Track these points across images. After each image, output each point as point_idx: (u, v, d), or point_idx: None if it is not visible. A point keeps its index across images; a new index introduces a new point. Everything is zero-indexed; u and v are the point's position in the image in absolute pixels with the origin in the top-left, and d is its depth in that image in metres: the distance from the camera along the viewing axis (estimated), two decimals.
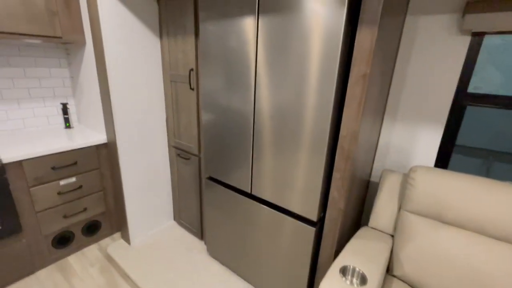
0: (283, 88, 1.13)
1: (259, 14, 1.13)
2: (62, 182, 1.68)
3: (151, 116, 1.87)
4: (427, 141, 1.42)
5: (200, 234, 2.03)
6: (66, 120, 2.03)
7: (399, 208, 1.31)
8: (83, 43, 1.73)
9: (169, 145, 2.03)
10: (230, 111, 1.37)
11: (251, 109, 1.27)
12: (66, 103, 2.01)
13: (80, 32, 1.69)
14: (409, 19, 1.34)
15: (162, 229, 2.17)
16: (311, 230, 1.22)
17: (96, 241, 2.00)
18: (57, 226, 1.72)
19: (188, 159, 1.87)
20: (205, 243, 1.97)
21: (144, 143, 1.88)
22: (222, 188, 1.59)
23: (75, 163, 1.71)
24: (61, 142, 1.70)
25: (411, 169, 1.23)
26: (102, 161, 1.86)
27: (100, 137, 1.82)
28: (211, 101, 1.45)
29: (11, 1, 1.41)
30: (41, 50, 1.88)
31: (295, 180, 1.21)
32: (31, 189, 1.55)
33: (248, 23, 1.17)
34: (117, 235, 2.10)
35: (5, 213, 1.46)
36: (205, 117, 1.52)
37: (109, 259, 1.85)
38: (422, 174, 1.18)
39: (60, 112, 2.07)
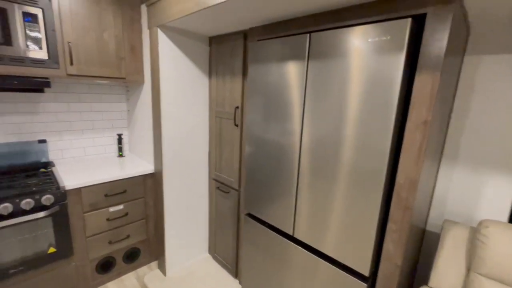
0: (334, 131, 1.11)
1: (309, 58, 1.15)
2: (111, 209, 1.78)
3: (195, 149, 1.96)
4: (497, 190, 1.25)
5: (235, 272, 1.96)
6: (120, 150, 2.21)
7: (468, 269, 1.13)
8: (142, 82, 1.93)
9: (210, 177, 2.07)
10: (274, 149, 1.38)
11: (297, 149, 1.26)
12: (121, 134, 2.21)
13: (140, 73, 1.90)
14: (467, 59, 1.27)
15: (196, 261, 2.15)
16: (362, 286, 1.10)
17: (134, 268, 2.04)
18: (103, 251, 1.79)
19: (228, 192, 1.88)
20: (240, 283, 1.89)
21: (186, 174, 1.95)
22: (262, 227, 1.54)
23: (125, 191, 1.82)
24: (115, 170, 1.84)
25: (481, 224, 1.08)
26: (147, 190, 1.96)
27: (147, 167, 1.93)
28: (255, 138, 1.47)
29: (90, 50, 1.64)
30: (106, 88, 2.14)
31: (345, 227, 1.13)
32: (85, 214, 1.67)
33: (297, 66, 1.21)
34: (154, 264, 2.12)
35: (61, 237, 1.58)
36: (248, 153, 1.54)
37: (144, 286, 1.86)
38: (497, 232, 1.02)
39: (116, 142, 2.27)
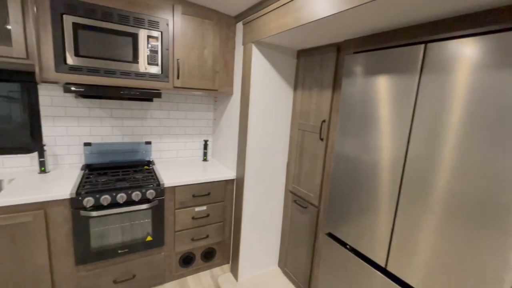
0: (453, 154, 0.95)
1: (423, 71, 1.03)
2: (196, 209, 1.94)
3: (274, 159, 1.98)
4: None
5: None
6: (205, 154, 2.42)
7: None
8: (230, 93, 2.07)
9: (286, 189, 2.06)
10: (368, 168, 1.26)
11: (399, 172, 1.12)
12: (207, 140, 2.42)
13: (230, 86, 2.04)
14: None
15: (266, 272, 2.14)
16: None
17: (210, 268, 2.16)
18: (186, 246, 1.96)
19: (305, 207, 1.83)
20: None
21: (265, 183, 1.98)
22: (345, 250, 1.42)
23: (208, 193, 1.96)
24: (202, 173, 2.01)
25: None
26: (227, 195, 2.07)
27: (229, 173, 2.05)
28: (345, 154, 1.39)
29: (193, 66, 1.86)
30: (198, 98, 2.38)
31: (466, 269, 0.93)
32: (176, 211, 1.86)
33: (405, 80, 1.09)
34: (226, 266, 2.21)
35: (157, 228, 1.79)
36: (335, 169, 1.46)
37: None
38: None
39: (201, 147, 2.50)
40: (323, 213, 1.67)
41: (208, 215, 2.00)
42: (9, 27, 1.36)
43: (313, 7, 1.20)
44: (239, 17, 1.88)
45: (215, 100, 2.43)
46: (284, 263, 2.11)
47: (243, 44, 1.81)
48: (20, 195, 1.40)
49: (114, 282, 1.73)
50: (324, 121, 1.62)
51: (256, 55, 1.71)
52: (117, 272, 1.73)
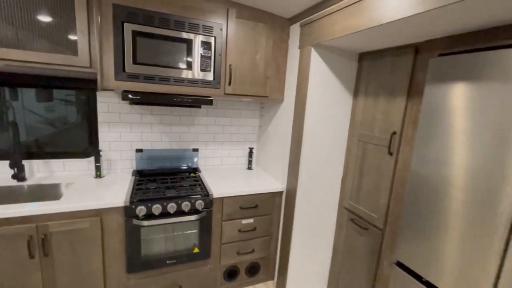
0: None
1: None
2: (243, 221, 1.85)
3: (328, 172, 1.81)
4: None
5: None
6: (249, 163, 2.33)
7: None
8: (281, 100, 1.95)
9: (340, 205, 1.87)
10: (460, 193, 1.04)
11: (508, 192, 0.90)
12: (253, 148, 2.32)
13: (281, 92, 1.93)
14: None
15: None
16: None
17: (253, 283, 2.05)
18: (231, 260, 1.88)
19: (366, 229, 1.62)
20: None
21: (317, 197, 1.81)
22: (420, 286, 1.21)
23: (256, 206, 1.86)
24: (248, 184, 1.91)
25: None
26: (275, 208, 1.95)
27: (276, 185, 1.92)
28: (427, 174, 1.18)
29: (244, 71, 1.78)
30: (245, 104, 2.30)
31: None
32: (223, 222, 1.78)
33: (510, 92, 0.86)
34: (271, 283, 2.08)
35: (204, 240, 1.73)
36: (411, 189, 1.25)
37: None
38: None
39: (245, 154, 2.41)
40: (389, 238, 1.46)
41: (255, 229, 1.89)
42: (74, 37, 1.40)
43: (392, 5, 1.03)
44: (294, 19, 1.76)
45: (262, 106, 2.33)
46: (336, 287, 1.92)
47: (300, 47, 1.68)
48: (79, 201, 1.42)
49: None
50: (394, 133, 1.42)
51: (315, 59, 1.57)
52: (164, 282, 1.70)
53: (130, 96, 1.49)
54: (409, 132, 1.35)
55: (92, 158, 1.89)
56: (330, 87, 1.67)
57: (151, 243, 1.62)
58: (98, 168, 1.82)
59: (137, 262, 1.57)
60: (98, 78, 1.43)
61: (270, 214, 1.94)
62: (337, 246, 1.90)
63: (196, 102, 1.67)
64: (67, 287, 1.46)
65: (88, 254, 1.47)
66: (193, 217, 1.62)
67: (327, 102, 1.68)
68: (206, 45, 1.64)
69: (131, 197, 1.53)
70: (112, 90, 1.65)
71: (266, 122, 2.24)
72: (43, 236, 1.35)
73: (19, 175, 1.62)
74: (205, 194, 1.69)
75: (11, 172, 1.64)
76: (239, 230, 1.84)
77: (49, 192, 1.69)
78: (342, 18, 1.30)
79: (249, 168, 2.33)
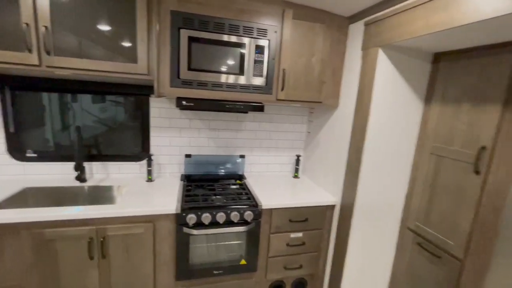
0: None
1: None
2: (292, 235, 1.74)
3: (390, 187, 1.61)
4: None
5: None
6: (296, 171, 2.21)
7: None
8: (335, 106, 1.80)
9: (403, 226, 1.66)
10: None
11: None
12: (300, 155, 2.20)
13: (336, 97, 1.77)
14: None
15: None
16: None
17: None
18: (277, 275, 1.78)
19: (439, 257, 1.40)
20: None
21: (375, 214, 1.63)
22: None
23: (306, 219, 1.73)
24: (297, 194, 1.79)
25: None
26: (326, 223, 1.80)
27: (329, 198, 1.78)
28: None
29: (298, 76, 1.67)
30: (293, 109, 2.19)
31: None
32: (271, 235, 1.69)
33: None
34: None
35: (251, 252, 1.66)
36: (510, 222, 1.02)
37: None
38: None
39: (291, 161, 2.30)
40: (471, 271, 1.23)
41: (303, 243, 1.77)
42: (134, 45, 1.42)
43: None
44: (355, 17, 1.60)
45: (311, 111, 2.19)
46: None
47: (364, 49, 1.51)
48: (134, 206, 1.44)
49: None
50: (483, 147, 1.19)
51: (383, 62, 1.40)
52: None
53: (184, 103, 1.47)
54: (506, 149, 1.11)
55: (144, 162, 1.94)
56: (398, 92, 1.48)
57: (200, 251, 1.59)
58: (149, 172, 1.86)
59: (185, 270, 1.56)
60: (155, 85, 1.44)
61: (321, 229, 1.80)
62: (397, 272, 1.69)
63: (247, 109, 1.60)
64: (122, 279, 1.49)
65: (141, 258, 1.49)
66: (241, 228, 1.56)
67: (393, 109, 1.49)
68: (259, 49, 1.57)
69: (182, 204, 1.52)
70: (166, 96, 1.66)
71: (315, 129, 2.10)
72: (102, 239, 1.39)
73: (81, 177, 1.71)
74: (254, 204, 1.62)
75: (74, 173, 1.75)
76: (287, 244, 1.74)
77: (106, 194, 1.76)
78: (424, 14, 1.11)
79: (295, 176, 2.21)
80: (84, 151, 1.83)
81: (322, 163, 1.98)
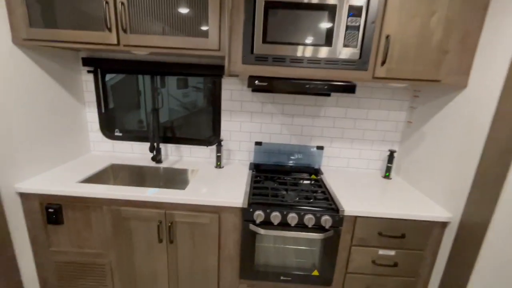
0: None
1: None
2: (380, 252, 1.37)
3: None
4: None
5: None
6: (388, 169, 1.76)
7: None
8: (462, 86, 1.28)
9: None
10: None
11: None
12: (394, 151, 1.74)
13: (465, 74, 1.25)
14: None
15: None
16: None
17: None
18: None
19: None
20: None
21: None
22: None
23: (403, 235, 1.33)
24: (391, 201, 1.40)
25: None
26: (430, 242, 1.36)
27: (440, 211, 1.32)
28: None
29: (407, 45, 1.22)
30: (389, 92, 1.72)
31: None
32: (352, 247, 1.37)
33: None
34: None
35: (326, 263, 1.38)
36: None
37: None
38: None
39: (381, 158, 1.85)
40: None
41: (395, 264, 1.38)
42: (205, 19, 1.26)
43: None
44: None
45: (415, 95, 1.68)
46: None
47: None
48: (201, 195, 1.35)
49: None
50: None
51: None
52: None
53: (257, 82, 1.26)
54: None
55: (214, 147, 1.86)
56: None
57: (266, 252, 1.41)
58: (218, 158, 1.76)
59: (250, 269, 1.41)
60: (226, 61, 1.26)
61: (421, 250, 1.37)
62: None
63: (333, 90, 1.27)
64: (187, 275, 1.46)
65: (206, 249, 1.41)
66: (316, 236, 1.29)
67: None
68: (354, 10, 1.20)
69: (249, 198, 1.35)
70: (237, 76, 1.48)
71: (420, 117, 1.60)
72: (169, 224, 1.35)
73: (156, 158, 1.74)
74: (334, 208, 1.32)
75: (151, 154, 1.80)
76: (373, 262, 1.38)
77: (179, 177, 1.76)
78: None
79: (386, 176, 1.77)
80: (160, 133, 1.86)
81: (428, 164, 1.50)
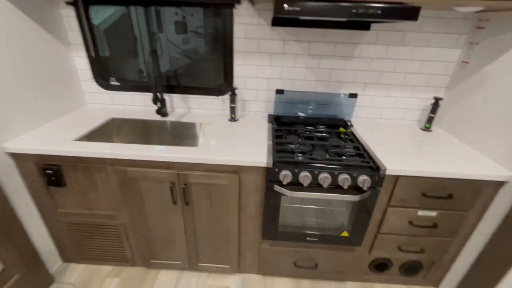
0: None
1: None
2: (420, 212, 1.23)
3: None
4: None
5: None
6: (429, 120, 1.52)
7: None
8: None
9: None
10: None
11: None
12: (440, 98, 1.47)
13: None
14: None
15: None
16: None
17: (406, 283, 1.53)
18: (386, 254, 1.38)
19: None
20: None
21: None
22: None
23: (449, 196, 1.17)
24: (438, 158, 1.20)
25: None
26: (477, 203, 1.20)
27: (498, 170, 1.12)
28: None
29: None
30: (446, 24, 1.37)
31: None
32: (389, 208, 1.23)
33: None
34: None
35: (358, 225, 1.26)
36: None
37: None
38: None
39: (422, 106, 1.59)
40: None
41: (435, 225, 1.25)
42: None
43: None
44: None
45: (480, 26, 1.32)
46: None
47: None
48: (217, 153, 1.16)
49: (295, 264, 1.45)
50: None
51: None
52: (300, 256, 1.42)
53: (286, 6, 0.94)
54: None
55: (226, 97, 1.61)
56: None
57: (292, 213, 1.29)
58: (232, 110, 1.53)
59: (273, 230, 1.30)
60: None
61: (466, 211, 1.22)
62: None
63: (389, 16, 0.95)
64: (206, 236, 1.38)
65: (225, 211, 1.28)
66: (351, 198, 1.13)
67: None
68: None
69: (273, 156, 1.16)
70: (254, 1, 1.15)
71: (481, 56, 1.29)
72: (184, 185, 1.20)
73: (161, 110, 1.52)
74: (373, 167, 1.13)
75: (155, 106, 1.56)
76: (410, 223, 1.25)
77: (187, 132, 1.56)
78: None
79: (427, 128, 1.54)
80: (163, 82, 1.59)
81: (485, 114, 1.25)
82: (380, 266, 1.46)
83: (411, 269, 1.46)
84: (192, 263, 1.49)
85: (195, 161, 1.14)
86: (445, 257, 1.38)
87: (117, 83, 1.61)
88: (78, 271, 1.53)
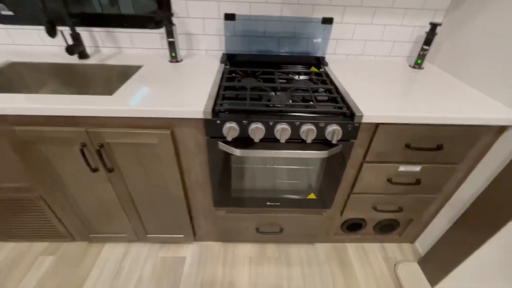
0: None
1: None
2: (401, 168, 1.01)
3: None
4: None
5: None
6: (420, 56, 1.22)
7: None
8: None
9: None
10: None
11: None
12: (438, 24, 1.15)
13: None
14: None
15: None
16: None
17: (381, 241, 1.42)
18: (359, 214, 1.20)
19: None
20: None
21: None
22: None
23: (439, 147, 0.93)
24: (427, 100, 0.93)
25: None
26: (472, 153, 0.98)
27: (500, 112, 0.88)
28: None
29: None
30: None
31: None
32: (365, 164, 1.00)
33: None
34: (408, 247, 1.40)
35: (326, 186, 1.04)
36: None
37: (395, 280, 1.23)
38: None
39: (412, 38, 1.27)
40: None
41: (417, 182, 1.05)
42: None
43: None
44: None
45: None
46: None
47: None
48: (139, 101, 0.84)
49: (257, 230, 1.26)
50: None
51: None
52: (262, 221, 1.23)
53: None
54: None
55: (163, 30, 1.22)
56: None
57: (247, 175, 1.04)
58: (172, 46, 1.16)
59: (225, 197, 1.07)
60: None
61: (456, 164, 1.01)
62: None
63: None
64: (147, 204, 1.14)
65: (163, 175, 1.02)
66: (318, 154, 0.88)
67: None
68: None
69: (214, 104, 0.85)
70: None
71: None
72: (98, 147, 0.90)
73: (74, 49, 1.12)
74: (347, 114, 0.86)
75: (70, 44, 1.16)
76: (389, 180, 1.04)
77: (109, 78, 1.19)
78: None
79: (418, 64, 1.24)
80: (72, 9, 1.16)
81: (495, 45, 0.95)
82: (353, 226, 1.31)
83: (386, 228, 1.31)
84: (139, 235, 1.28)
85: (105, 114, 0.82)
86: (425, 214, 1.23)
87: (9, 13, 1.17)
88: (5, 250, 1.30)
